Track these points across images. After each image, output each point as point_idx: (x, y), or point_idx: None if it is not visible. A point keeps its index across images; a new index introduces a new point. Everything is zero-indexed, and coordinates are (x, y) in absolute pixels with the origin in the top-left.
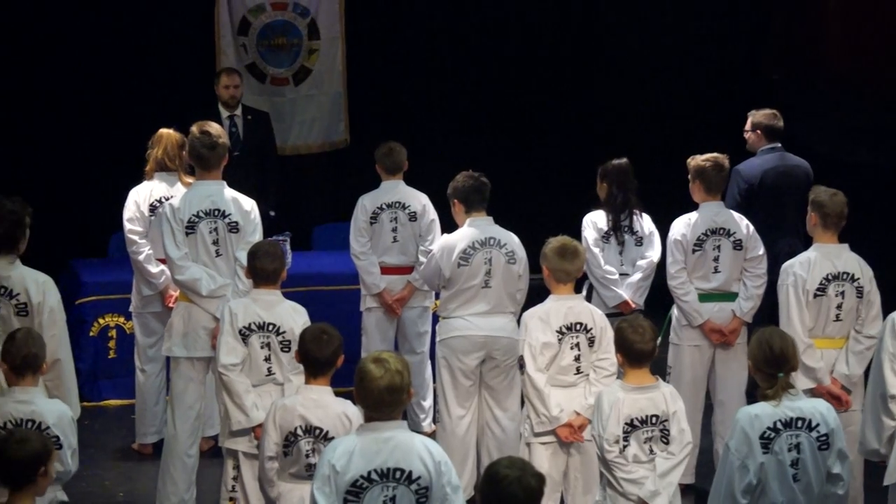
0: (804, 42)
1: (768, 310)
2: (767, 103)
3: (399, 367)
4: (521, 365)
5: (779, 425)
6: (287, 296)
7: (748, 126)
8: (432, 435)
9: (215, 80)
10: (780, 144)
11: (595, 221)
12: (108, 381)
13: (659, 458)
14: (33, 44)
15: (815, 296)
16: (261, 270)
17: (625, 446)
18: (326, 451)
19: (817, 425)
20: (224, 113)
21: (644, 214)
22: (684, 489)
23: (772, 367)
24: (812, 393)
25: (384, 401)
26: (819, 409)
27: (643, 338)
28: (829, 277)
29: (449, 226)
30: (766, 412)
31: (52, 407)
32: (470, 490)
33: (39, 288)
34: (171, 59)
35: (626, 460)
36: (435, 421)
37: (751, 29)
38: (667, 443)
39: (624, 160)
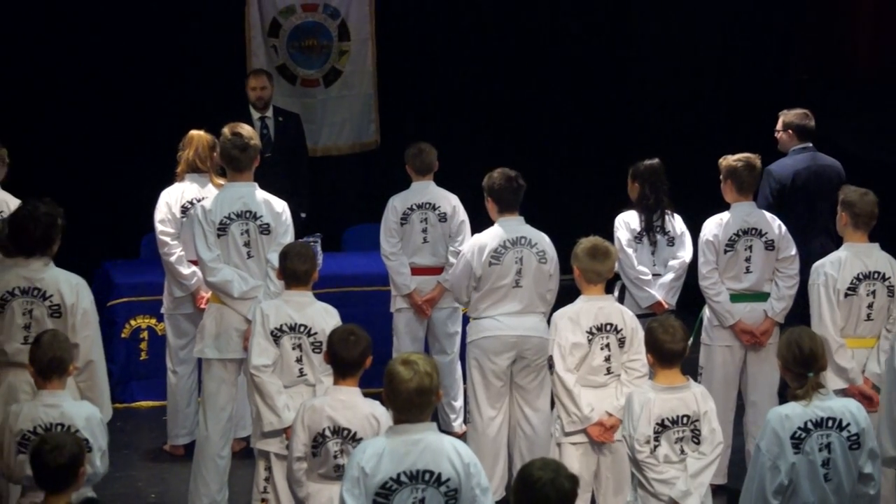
0: (834, 42)
1: (800, 310)
2: (798, 103)
3: (428, 368)
4: (551, 365)
5: (809, 425)
6: (318, 297)
7: (779, 126)
8: (463, 436)
9: (246, 82)
10: (811, 144)
11: (628, 222)
12: (139, 382)
13: (690, 459)
14: (66, 46)
15: (846, 295)
16: (292, 272)
17: (655, 446)
18: (356, 453)
19: (848, 425)
20: (255, 114)
21: (675, 215)
22: (716, 489)
23: (801, 367)
24: (844, 393)
25: (413, 403)
26: (849, 408)
27: (674, 338)
28: (860, 277)
29: (479, 227)
30: (796, 412)
31: (81, 409)
32: (501, 491)
33: (73, 289)
34: (203, 60)
35: (657, 460)
36: (466, 422)
37: (781, 29)
38: (698, 443)
39: (656, 160)
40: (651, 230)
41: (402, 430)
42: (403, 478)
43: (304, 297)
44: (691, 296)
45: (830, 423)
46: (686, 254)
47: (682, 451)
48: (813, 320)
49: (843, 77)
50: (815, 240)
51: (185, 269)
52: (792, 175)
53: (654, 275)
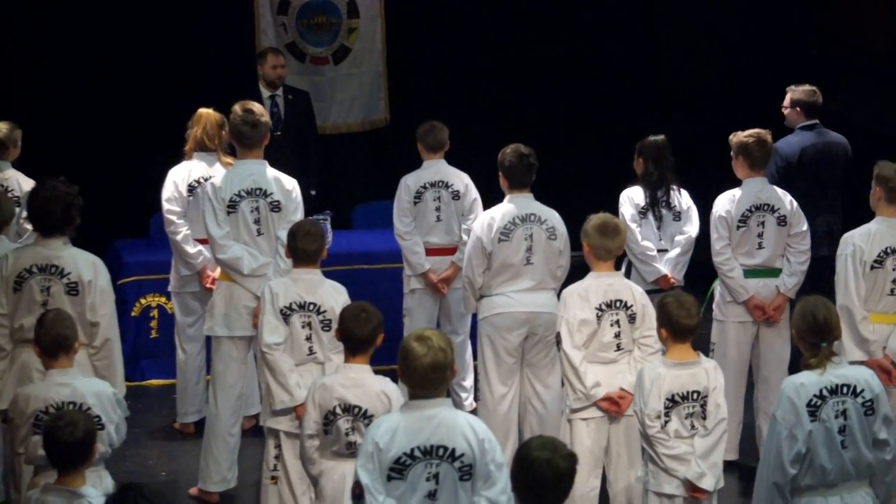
0: (848, 17)
1: (810, 285)
2: (808, 79)
3: (442, 344)
4: (558, 341)
5: (825, 392)
6: (327, 275)
7: (787, 102)
8: (474, 412)
9: (259, 60)
10: (818, 121)
11: (632, 197)
12: (149, 360)
13: (697, 438)
14: (74, 26)
15: (872, 268)
16: (302, 250)
17: (666, 422)
18: (370, 429)
19: (862, 391)
20: (265, 93)
21: (682, 190)
22: (727, 465)
23: (815, 337)
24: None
25: (428, 378)
26: (863, 375)
27: (689, 313)
28: (889, 251)
29: (489, 206)
30: (811, 380)
31: (91, 386)
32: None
33: (91, 268)
34: (212, 38)
35: (668, 435)
36: (476, 399)
37: (795, 4)
38: (706, 418)
39: (661, 137)
40: (656, 205)
41: (416, 406)
42: (417, 453)
43: (314, 276)
44: (699, 271)
45: (845, 390)
46: (693, 229)
47: (693, 427)
48: (838, 290)
49: (857, 53)
50: (821, 216)
51: (192, 248)
52: (799, 152)
53: (660, 250)
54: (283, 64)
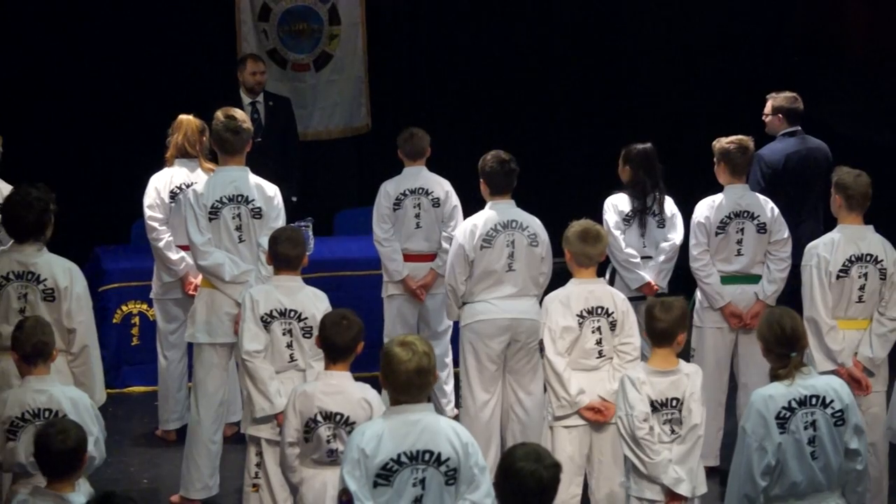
0: (826, 24)
1: (790, 293)
2: (790, 85)
3: (426, 349)
4: (541, 349)
5: (793, 404)
6: (309, 281)
7: (768, 110)
8: (455, 419)
9: (239, 66)
10: (800, 128)
11: (616, 204)
12: (131, 367)
13: (675, 445)
14: (55, 32)
15: (838, 277)
16: (282, 256)
17: (651, 425)
18: (355, 436)
19: (832, 401)
20: (246, 99)
21: (666, 197)
22: (709, 472)
23: (784, 348)
24: (834, 375)
25: (413, 383)
26: (832, 385)
27: (667, 316)
28: (853, 259)
29: (470, 212)
30: (780, 392)
31: (68, 394)
32: (493, 474)
33: (66, 274)
34: (193, 45)
35: (654, 438)
36: (457, 405)
37: (774, 11)
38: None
39: (648, 144)
40: (644, 213)
41: (400, 411)
42: (404, 458)
43: (294, 282)
44: (683, 278)
45: (814, 401)
46: (677, 236)
47: (673, 431)
48: (805, 301)
49: (835, 59)
50: (806, 223)
51: (174, 255)
52: (783, 159)
53: (644, 257)
54: (263, 70)
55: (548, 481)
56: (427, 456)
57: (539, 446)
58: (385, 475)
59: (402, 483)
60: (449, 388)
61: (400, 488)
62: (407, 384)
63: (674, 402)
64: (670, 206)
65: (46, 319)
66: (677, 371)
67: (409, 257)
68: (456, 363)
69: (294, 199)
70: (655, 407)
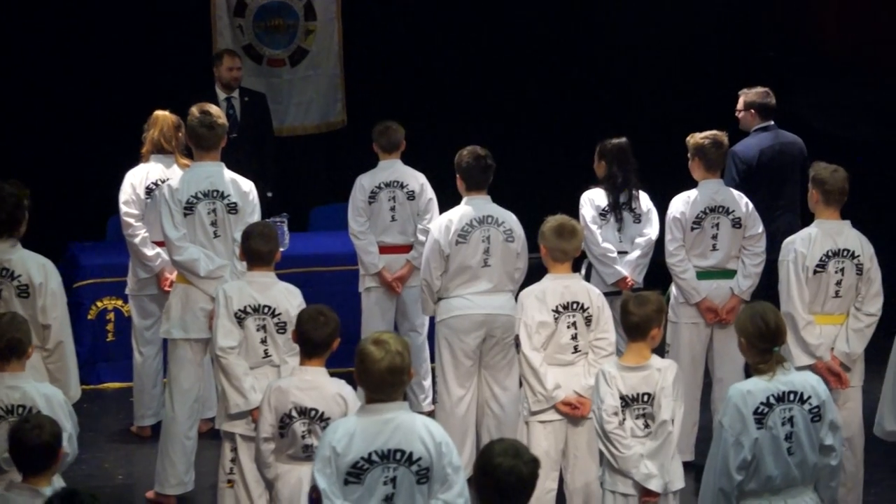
0: (800, 19)
1: (766, 288)
2: (763, 80)
3: (399, 347)
4: (517, 344)
5: (772, 400)
6: (284, 277)
7: (740, 105)
8: (431, 415)
9: (215, 62)
10: (773, 122)
11: (592, 199)
12: (106, 364)
13: (647, 440)
14: (28, 25)
15: (815, 272)
16: (255, 252)
17: (622, 420)
18: (327, 433)
19: (809, 398)
20: (221, 95)
21: (642, 192)
22: (684, 467)
23: (766, 342)
24: (811, 369)
25: (385, 382)
26: (809, 381)
27: (641, 310)
28: (830, 254)
29: (445, 206)
30: (758, 387)
31: (42, 391)
32: (469, 470)
33: (41, 270)
34: (168, 40)
35: (625, 433)
36: (434, 401)
37: (747, 6)
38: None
39: (623, 139)
40: (618, 208)
41: (373, 410)
42: (375, 457)
43: (267, 278)
44: (659, 273)
45: (792, 397)
46: (653, 231)
47: (647, 426)
48: (781, 296)
49: (809, 54)
50: (782, 217)
51: (150, 251)
52: (758, 154)
53: (620, 252)
54: (239, 66)
55: (527, 477)
56: (398, 455)
57: (517, 442)
58: (356, 473)
59: (372, 481)
60: (427, 383)
61: (371, 486)
62: (380, 383)
63: (645, 398)
64: (646, 201)
65: (23, 316)
66: (649, 366)
67: (384, 249)
68: (433, 358)
69: (269, 194)
70: (627, 402)
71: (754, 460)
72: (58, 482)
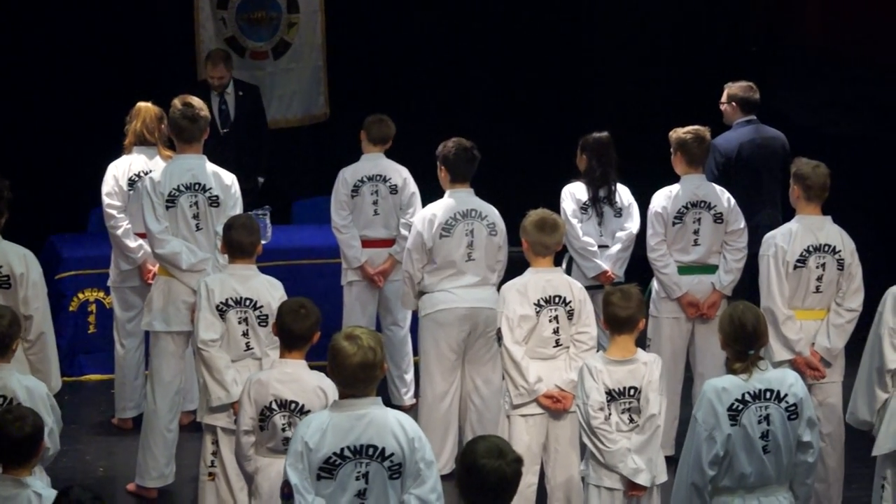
0: (784, 15)
1: (748, 283)
2: (748, 76)
3: (372, 343)
4: (499, 337)
5: (747, 397)
6: (267, 270)
7: (724, 98)
8: (413, 408)
9: (205, 63)
10: (755, 117)
11: (573, 193)
12: (87, 355)
13: (634, 434)
14: (11, 19)
15: (796, 267)
16: (237, 244)
17: (608, 415)
18: (300, 428)
19: (785, 396)
20: (214, 91)
21: (622, 186)
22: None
23: (743, 345)
24: (791, 364)
25: (358, 377)
26: (788, 379)
27: (626, 304)
28: (810, 249)
29: (428, 200)
30: (734, 385)
31: (24, 383)
32: (451, 465)
33: (22, 261)
34: (151, 32)
35: (611, 427)
36: (416, 395)
37: (732, 1)
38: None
39: (604, 133)
40: (598, 202)
41: (346, 405)
42: (347, 452)
43: (249, 270)
44: (639, 267)
45: (768, 395)
46: (633, 225)
47: (632, 420)
48: (762, 291)
49: (793, 50)
50: (763, 212)
51: (132, 243)
52: (737, 148)
53: (601, 246)
54: (223, 75)
55: (511, 477)
56: (371, 450)
57: (500, 440)
58: (328, 469)
59: (345, 476)
60: (409, 377)
61: (343, 481)
62: (352, 378)
63: (631, 391)
64: (627, 195)
65: (12, 310)
66: (635, 360)
67: (367, 243)
68: (415, 352)
69: (261, 179)
70: (613, 396)
71: (727, 456)
72: (40, 473)
